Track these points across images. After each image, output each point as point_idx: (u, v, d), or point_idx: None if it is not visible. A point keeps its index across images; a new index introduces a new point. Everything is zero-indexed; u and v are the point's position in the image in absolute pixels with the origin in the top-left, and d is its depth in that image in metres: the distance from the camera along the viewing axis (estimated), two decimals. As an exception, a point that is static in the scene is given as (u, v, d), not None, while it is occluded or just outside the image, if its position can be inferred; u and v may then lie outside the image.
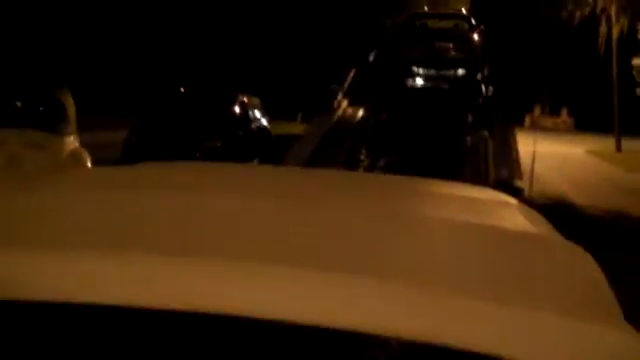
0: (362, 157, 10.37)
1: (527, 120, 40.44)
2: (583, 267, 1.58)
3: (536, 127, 35.97)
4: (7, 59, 20.88)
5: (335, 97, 12.22)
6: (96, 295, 1.24)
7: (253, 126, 14.99)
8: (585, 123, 38.17)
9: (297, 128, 23.19)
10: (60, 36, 26.05)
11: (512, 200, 2.39)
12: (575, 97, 40.38)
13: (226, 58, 31.41)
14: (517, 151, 10.40)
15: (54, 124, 8.55)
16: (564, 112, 42.48)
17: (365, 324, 1.15)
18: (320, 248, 1.43)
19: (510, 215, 2.13)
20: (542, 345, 1.12)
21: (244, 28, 31.81)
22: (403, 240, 1.62)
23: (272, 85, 26.75)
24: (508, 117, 11.81)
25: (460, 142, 10.77)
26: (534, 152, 9.52)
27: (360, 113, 11.78)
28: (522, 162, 10.11)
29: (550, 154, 19.96)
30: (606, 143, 27.12)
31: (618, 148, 26.88)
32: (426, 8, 21.26)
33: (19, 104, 8.88)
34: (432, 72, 13.33)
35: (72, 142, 8.63)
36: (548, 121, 40.16)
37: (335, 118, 11.20)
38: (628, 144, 26.65)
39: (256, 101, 16.01)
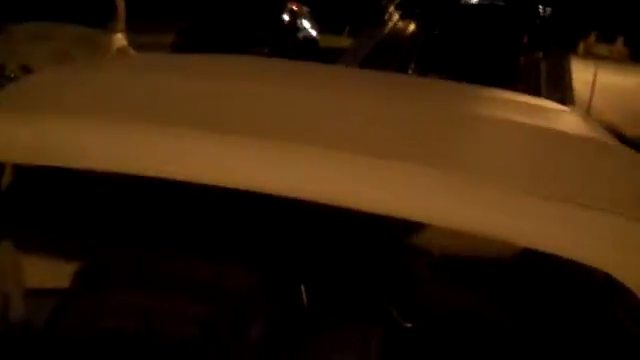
0: (410, 71, 10.20)
1: (580, 46, 39.38)
2: None
3: (589, 54, 35.05)
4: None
5: (386, 10, 11.96)
6: (153, 167, 1.23)
7: (301, 35, 14.81)
8: (641, 53, 37.00)
9: (344, 41, 22.88)
10: None
11: (574, 110, 2.35)
12: (632, 26, 39.01)
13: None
14: (570, 76, 10.14)
15: (104, 21, 8.55)
16: (620, 41, 41.17)
17: (438, 216, 1.14)
18: (382, 137, 1.41)
19: (575, 121, 2.09)
20: (613, 247, 1.10)
21: None
22: (475, 138, 1.60)
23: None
24: (564, 41, 11.49)
25: (513, 62, 10.52)
26: (593, 80, 9.27)
27: (411, 27, 11.54)
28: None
29: (604, 83, 19.42)
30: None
31: (674, 81, 26.06)
32: None
33: (69, -1, 8.88)
34: None
35: (120, 40, 8.63)
36: (603, 49, 39.02)
37: (386, 31, 10.99)
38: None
39: (305, 10, 15.76)
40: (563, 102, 9.14)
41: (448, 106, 1.98)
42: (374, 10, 20.40)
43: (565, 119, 2.14)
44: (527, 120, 1.87)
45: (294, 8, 14.68)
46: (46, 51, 7.79)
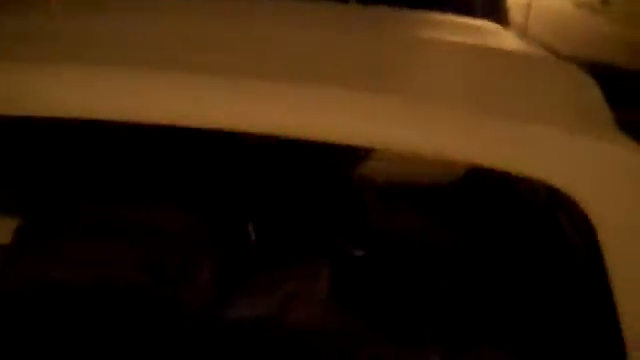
0: None
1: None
2: (584, 84, 1.59)
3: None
4: None
5: None
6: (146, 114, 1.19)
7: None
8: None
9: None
10: None
11: (510, 30, 2.38)
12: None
13: None
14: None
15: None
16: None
17: (397, 141, 1.14)
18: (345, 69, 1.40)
19: (511, 40, 2.12)
20: (549, 158, 1.12)
21: None
22: (413, 61, 1.62)
23: None
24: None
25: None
26: (528, 4, 9.33)
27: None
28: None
29: (535, 6, 19.64)
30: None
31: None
32: None
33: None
34: None
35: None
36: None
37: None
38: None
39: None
40: (499, 24, 9.21)
41: (385, 33, 1.98)
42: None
43: (502, 38, 2.17)
44: (463, 40, 1.89)
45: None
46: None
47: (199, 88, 1.18)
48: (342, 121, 1.14)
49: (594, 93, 1.58)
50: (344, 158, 1.91)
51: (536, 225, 1.71)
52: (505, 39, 2.17)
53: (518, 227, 1.78)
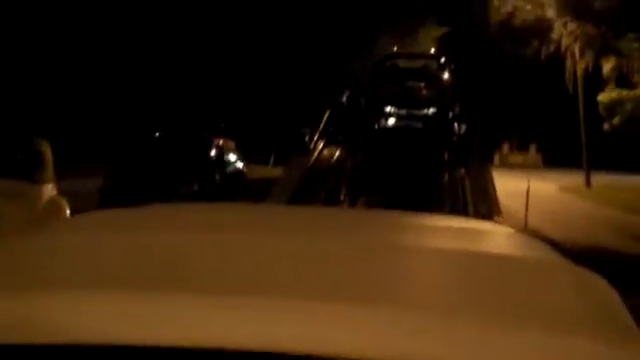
0: (342, 197, 10.41)
1: (496, 157, 41.02)
2: (596, 290, 1.59)
3: (505, 164, 36.46)
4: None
5: (311, 139, 12.29)
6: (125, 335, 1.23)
7: (229, 169, 15.01)
8: (553, 159, 38.80)
9: (270, 171, 23.26)
10: (34, 84, 26.01)
11: (513, 230, 2.43)
12: (543, 133, 41.06)
13: (198, 102, 31.51)
14: (494, 187, 10.51)
15: (32, 173, 8.45)
16: (532, 148, 43.13)
17: (376, 352, 1.16)
18: (333, 282, 1.45)
19: (517, 243, 2.16)
20: None
21: (215, 71, 31.97)
22: (411, 270, 1.65)
23: (244, 128, 26.81)
24: (482, 154, 11.98)
25: (438, 180, 10.88)
26: (527, 189, 9.61)
27: (337, 154, 11.86)
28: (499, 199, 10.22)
29: (522, 191, 20.19)
30: (575, 178, 27.48)
31: (588, 183, 27.27)
32: (395, 48, 21.56)
33: (-5, 153, 8.79)
34: (405, 112, 13.49)
35: (50, 190, 8.53)
36: (518, 157, 40.74)
37: (312, 160, 11.25)
38: (596, 179, 27.05)
39: (231, 144, 16.05)
40: (490, 214, 9.43)
41: (381, 239, 2.03)
42: (297, 138, 20.94)
43: (505, 241, 2.21)
44: (471, 247, 1.94)
45: (220, 143, 14.93)
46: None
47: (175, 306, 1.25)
48: (340, 337, 1.18)
49: (610, 297, 1.57)
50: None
51: None
52: (505, 241, 2.20)
53: None
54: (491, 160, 31.09)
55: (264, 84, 33.27)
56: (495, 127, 30.01)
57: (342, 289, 1.39)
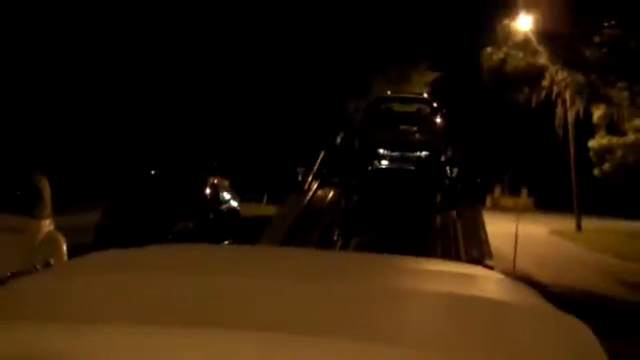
0: (335, 238, 10.51)
1: (488, 200, 41.22)
2: (577, 336, 1.68)
3: (497, 207, 36.60)
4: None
5: (305, 179, 12.42)
6: None
7: (223, 207, 15.11)
8: (544, 202, 39.02)
9: (264, 209, 23.33)
10: (33, 120, 26.23)
11: (501, 275, 2.55)
12: (534, 177, 41.35)
13: (192, 140, 31.70)
14: (485, 231, 10.63)
15: (31, 208, 8.56)
16: (524, 192, 43.36)
17: None
18: (334, 320, 1.60)
19: (503, 288, 2.28)
20: None
21: (210, 109, 32.23)
22: (405, 312, 1.79)
23: (237, 166, 26.98)
24: (474, 197, 12.10)
25: (430, 222, 11.00)
26: (516, 234, 9.72)
27: (330, 195, 11.98)
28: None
29: (513, 233, 20.27)
30: (566, 222, 27.66)
31: (578, 227, 27.44)
32: (389, 92, 21.85)
33: (-6, 188, 8.91)
34: (399, 154, 13.66)
35: (48, 225, 8.64)
36: (509, 201, 40.87)
37: (306, 200, 11.36)
38: (587, 223, 27.23)
39: (226, 183, 16.18)
40: (482, 257, 9.53)
41: (376, 282, 2.15)
42: (291, 177, 21.06)
43: (491, 285, 2.33)
44: (456, 290, 2.07)
45: (215, 181, 15.07)
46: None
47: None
48: None
49: (589, 343, 1.64)
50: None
51: None
52: (493, 286, 2.30)
53: None
54: (483, 203, 31.26)
55: (258, 123, 33.55)
56: (487, 170, 30.24)
57: (341, 327, 1.52)
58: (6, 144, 22.54)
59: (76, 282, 1.92)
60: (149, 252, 2.57)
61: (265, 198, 29.05)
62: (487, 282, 2.40)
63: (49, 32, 26.02)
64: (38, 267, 7.42)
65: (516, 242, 9.95)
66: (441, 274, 2.43)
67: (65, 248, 8.30)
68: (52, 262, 7.88)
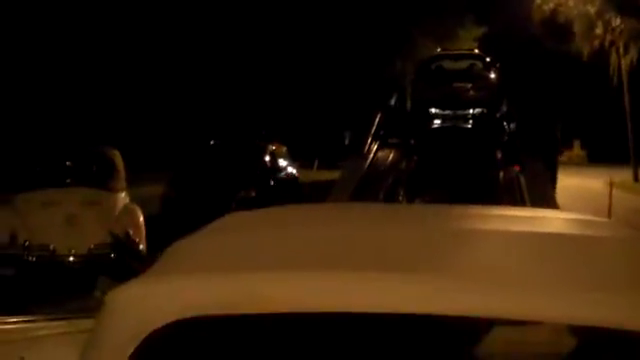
0: (400, 198, 10.60)
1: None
2: None
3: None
4: (57, 122, 22.06)
5: (358, 142, 12.45)
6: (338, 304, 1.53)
7: (282, 174, 15.29)
8: (597, 155, 38.41)
9: (316, 175, 23.48)
10: (92, 99, 27.04)
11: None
12: (587, 129, 40.65)
13: (244, 108, 31.98)
14: (549, 185, 10.60)
15: (106, 181, 8.86)
16: (577, 145, 42.75)
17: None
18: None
19: (617, 227, 2.41)
20: None
21: (256, 77, 32.41)
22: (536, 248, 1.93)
23: (285, 133, 27.24)
24: (535, 152, 11.99)
25: (493, 179, 10.98)
26: (610, 189, 9.67)
27: (390, 156, 12.03)
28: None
29: (572, 187, 20.15)
30: (622, 174, 27.19)
31: (635, 178, 27.00)
32: (439, 49, 21.61)
33: (69, 164, 9.22)
34: (453, 113, 13.60)
35: (124, 198, 8.92)
36: (562, 155, 40.37)
37: (367, 162, 11.43)
38: (644, 173, 26.78)
39: (284, 149, 16.34)
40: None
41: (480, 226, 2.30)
42: (338, 141, 21.05)
43: (606, 226, 2.44)
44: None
45: (274, 148, 15.24)
46: (57, 217, 8.03)
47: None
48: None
49: None
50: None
51: None
52: (610, 228, 2.43)
53: None
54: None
55: (306, 88, 33.60)
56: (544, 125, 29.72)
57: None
58: (76, 121, 23.42)
59: (257, 235, 2.11)
60: (289, 211, 2.75)
61: (316, 164, 29.18)
62: (610, 226, 2.50)
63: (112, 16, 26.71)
64: (121, 237, 7.71)
65: (610, 195, 9.90)
66: (557, 220, 2.55)
67: (142, 219, 8.55)
68: (131, 232, 8.16)
